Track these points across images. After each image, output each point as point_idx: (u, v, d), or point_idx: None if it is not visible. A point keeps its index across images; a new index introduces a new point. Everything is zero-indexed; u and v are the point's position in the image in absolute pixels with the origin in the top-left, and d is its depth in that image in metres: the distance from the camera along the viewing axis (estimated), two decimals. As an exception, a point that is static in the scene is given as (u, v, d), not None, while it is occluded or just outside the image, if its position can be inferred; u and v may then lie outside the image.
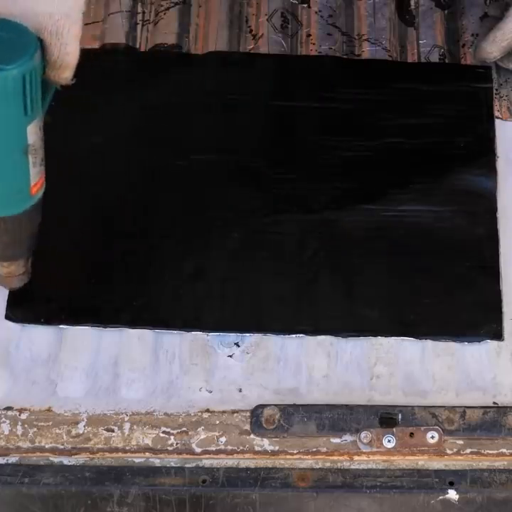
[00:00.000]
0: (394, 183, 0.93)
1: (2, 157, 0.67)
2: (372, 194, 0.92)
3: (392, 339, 0.86)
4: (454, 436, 0.80)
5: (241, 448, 0.81)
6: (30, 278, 0.88)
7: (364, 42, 1.02)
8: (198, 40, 1.04)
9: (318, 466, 0.81)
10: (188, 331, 0.86)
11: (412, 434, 0.80)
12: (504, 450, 0.80)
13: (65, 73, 0.69)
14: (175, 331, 0.86)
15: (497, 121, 0.97)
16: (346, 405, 0.82)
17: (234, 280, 0.88)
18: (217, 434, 0.82)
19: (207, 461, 0.81)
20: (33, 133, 0.67)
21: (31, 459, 0.82)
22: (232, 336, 0.86)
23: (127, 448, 0.82)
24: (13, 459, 0.82)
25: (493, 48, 0.93)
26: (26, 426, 0.83)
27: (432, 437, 0.80)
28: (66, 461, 0.82)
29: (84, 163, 0.95)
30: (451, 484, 0.79)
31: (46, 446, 0.82)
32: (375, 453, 0.80)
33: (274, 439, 0.81)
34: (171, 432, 0.82)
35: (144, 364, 0.85)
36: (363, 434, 0.80)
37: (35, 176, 0.71)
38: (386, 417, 0.81)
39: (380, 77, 1.00)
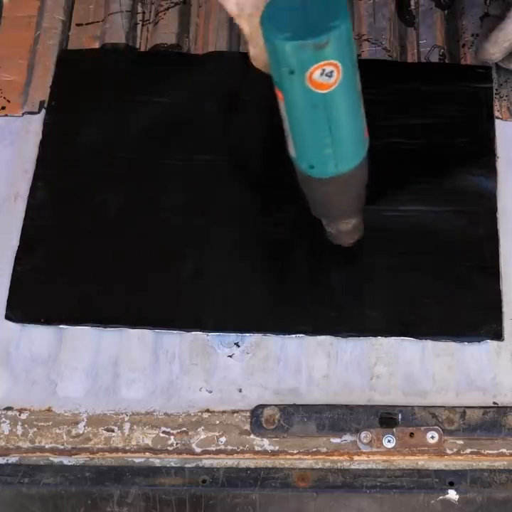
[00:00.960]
0: (394, 183, 0.93)
1: (351, 107, 0.70)
2: (372, 194, 0.92)
3: (392, 339, 0.86)
4: (454, 436, 0.80)
5: (241, 448, 0.81)
6: (30, 278, 0.89)
7: (364, 42, 1.02)
8: (198, 40, 1.04)
9: (318, 466, 0.81)
10: (188, 331, 0.86)
11: (412, 434, 0.80)
12: (504, 450, 0.80)
13: None
14: (175, 331, 0.86)
15: (497, 121, 0.97)
16: (346, 405, 0.82)
17: (234, 280, 0.88)
18: (217, 434, 0.82)
19: (207, 461, 0.81)
20: (358, 79, 0.71)
21: (31, 459, 0.82)
22: (232, 336, 0.86)
23: (127, 448, 0.82)
24: (13, 459, 0.82)
25: (495, 49, 0.93)
26: (26, 426, 0.83)
27: (432, 437, 0.80)
28: (66, 461, 0.82)
29: (84, 163, 0.95)
30: (451, 484, 0.79)
31: (46, 446, 0.82)
32: (375, 453, 0.80)
33: (274, 439, 0.81)
34: (171, 431, 0.82)
35: (144, 364, 0.85)
36: (363, 434, 0.80)
37: (364, 117, 0.74)
38: (386, 417, 0.81)
39: (380, 77, 1.00)
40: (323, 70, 0.66)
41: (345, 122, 0.71)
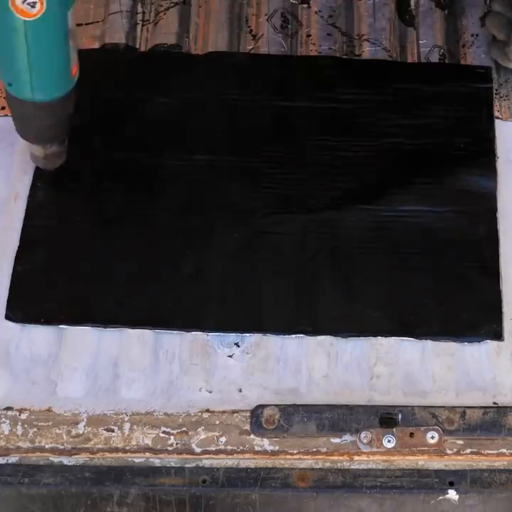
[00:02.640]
0: (394, 183, 0.93)
1: (53, 42, 0.78)
2: (372, 194, 0.92)
3: (392, 339, 0.86)
4: (454, 436, 0.80)
5: (241, 448, 0.81)
6: (30, 278, 0.89)
7: (364, 42, 1.03)
8: (198, 40, 1.04)
9: (318, 466, 0.81)
10: (188, 331, 0.86)
11: (412, 434, 0.80)
12: (504, 450, 0.80)
13: None
14: (175, 331, 0.86)
15: (497, 122, 0.97)
16: (346, 405, 0.82)
17: (234, 280, 0.88)
18: (217, 434, 0.82)
19: (207, 461, 0.81)
20: (71, 19, 0.78)
21: (31, 459, 0.82)
22: (232, 336, 0.86)
23: (127, 448, 0.82)
24: (13, 459, 0.82)
25: None
26: (26, 426, 0.83)
27: (432, 437, 0.80)
28: (66, 461, 0.82)
29: (84, 162, 0.95)
30: (451, 484, 0.79)
31: (46, 446, 0.82)
32: (375, 453, 0.80)
33: (274, 439, 0.81)
34: (171, 431, 0.82)
35: (144, 364, 0.85)
36: (363, 434, 0.80)
37: (74, 59, 0.81)
38: (386, 417, 0.81)
39: (380, 77, 1.00)
40: None
41: (46, 55, 0.77)
